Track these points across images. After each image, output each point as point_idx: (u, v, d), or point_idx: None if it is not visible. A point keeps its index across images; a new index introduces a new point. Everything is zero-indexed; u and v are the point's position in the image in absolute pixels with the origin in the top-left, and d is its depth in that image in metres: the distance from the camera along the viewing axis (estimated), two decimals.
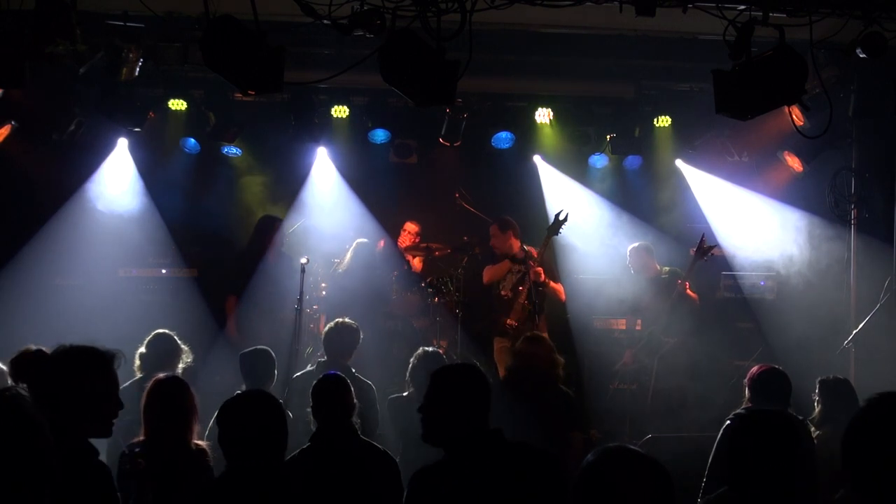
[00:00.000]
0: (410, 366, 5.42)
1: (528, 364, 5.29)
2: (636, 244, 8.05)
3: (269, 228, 8.14)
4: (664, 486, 2.05)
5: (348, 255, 8.48)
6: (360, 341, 5.94)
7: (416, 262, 8.99)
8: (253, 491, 2.97)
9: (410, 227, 9.04)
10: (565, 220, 7.46)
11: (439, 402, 3.19)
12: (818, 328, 7.49)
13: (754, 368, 4.88)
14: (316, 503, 3.41)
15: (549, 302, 7.90)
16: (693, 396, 7.09)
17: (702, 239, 7.52)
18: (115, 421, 2.95)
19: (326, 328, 6.01)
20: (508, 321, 7.66)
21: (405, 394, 5.40)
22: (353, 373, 5.58)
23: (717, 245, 7.69)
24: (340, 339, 5.82)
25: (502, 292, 7.92)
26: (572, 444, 5.25)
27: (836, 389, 4.92)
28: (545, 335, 5.60)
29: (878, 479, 2.20)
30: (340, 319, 6.00)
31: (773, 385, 4.68)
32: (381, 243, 8.73)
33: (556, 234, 7.58)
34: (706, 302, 8.29)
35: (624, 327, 8.38)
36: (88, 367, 2.91)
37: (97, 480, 2.84)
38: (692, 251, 7.62)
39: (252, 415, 3.13)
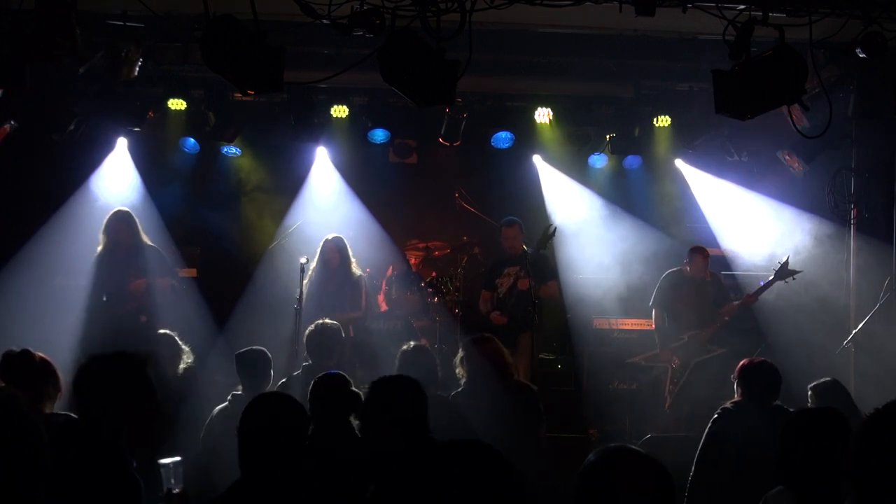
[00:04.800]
0: (397, 366, 5.38)
1: (479, 362, 5.25)
2: (699, 247, 7.80)
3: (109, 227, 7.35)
4: (665, 486, 2.04)
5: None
6: (344, 342, 5.88)
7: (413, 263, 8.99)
8: (274, 492, 2.95)
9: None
10: (553, 234, 7.30)
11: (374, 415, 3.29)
12: (818, 328, 7.49)
13: (744, 361, 4.86)
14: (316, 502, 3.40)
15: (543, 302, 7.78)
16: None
17: (786, 261, 7.34)
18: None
19: (307, 330, 5.94)
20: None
21: None
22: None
23: (801, 271, 7.40)
24: (322, 341, 5.78)
25: (500, 293, 7.82)
26: (540, 438, 5.25)
27: (832, 391, 4.88)
28: (488, 334, 5.55)
29: (882, 492, 2.19)
30: (321, 321, 5.96)
31: (761, 378, 4.68)
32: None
33: (544, 248, 7.38)
34: None
35: (629, 327, 8.37)
36: (121, 373, 2.90)
37: (121, 490, 2.81)
38: (774, 271, 7.39)
39: (274, 417, 3.08)
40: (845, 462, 2.91)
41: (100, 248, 7.29)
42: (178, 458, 3.23)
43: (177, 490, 3.16)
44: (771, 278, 7.35)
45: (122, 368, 2.93)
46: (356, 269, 7.72)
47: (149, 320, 7.01)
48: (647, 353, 7.95)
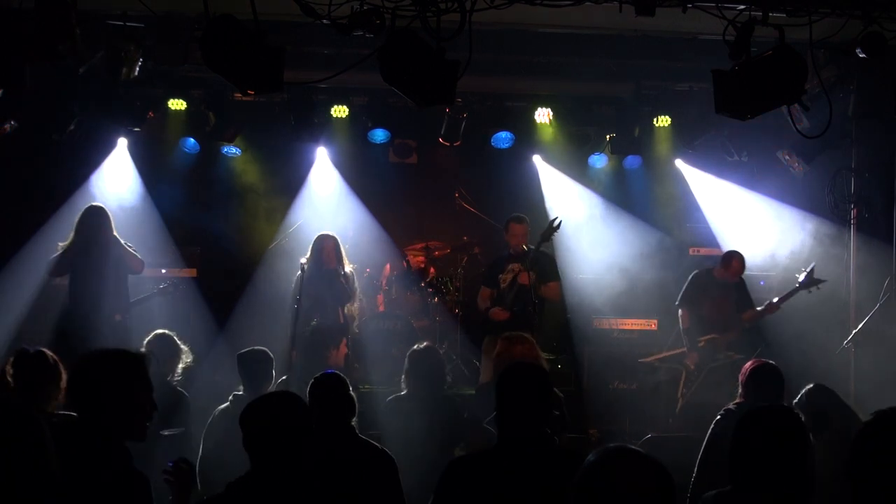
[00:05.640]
0: (405, 366, 5.38)
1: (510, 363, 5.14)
2: (737, 252, 7.61)
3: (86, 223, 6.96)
4: (665, 486, 2.04)
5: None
6: (345, 339, 5.86)
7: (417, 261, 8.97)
8: (279, 490, 2.95)
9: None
10: (558, 227, 7.13)
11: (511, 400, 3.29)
12: (818, 328, 7.48)
13: (748, 364, 4.86)
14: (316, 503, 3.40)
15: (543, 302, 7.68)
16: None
17: (811, 270, 7.27)
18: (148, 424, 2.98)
19: (306, 332, 5.91)
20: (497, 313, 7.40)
21: (403, 393, 5.38)
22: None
23: (826, 280, 7.33)
24: (320, 340, 5.76)
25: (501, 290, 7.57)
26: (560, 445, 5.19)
27: (820, 398, 4.85)
28: (527, 335, 5.42)
29: (878, 492, 2.20)
30: (317, 322, 5.94)
31: (766, 380, 4.67)
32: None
33: (548, 241, 7.23)
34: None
35: (629, 327, 8.35)
36: (123, 370, 2.94)
37: (129, 486, 2.83)
38: (798, 279, 7.31)
39: (279, 414, 3.08)
40: (799, 463, 2.90)
41: (68, 244, 6.89)
42: (182, 429, 3.24)
43: (183, 463, 3.18)
44: (797, 286, 7.26)
45: (122, 365, 2.95)
46: (348, 267, 7.64)
47: (123, 319, 6.88)
48: (659, 352, 7.85)
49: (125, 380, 2.92)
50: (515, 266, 7.43)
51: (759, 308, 7.49)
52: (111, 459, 2.83)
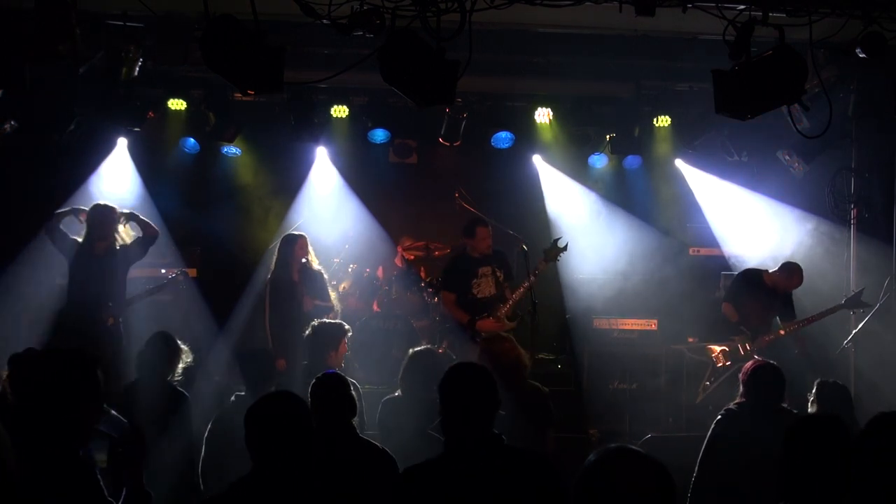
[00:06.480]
0: (402, 367, 5.36)
1: (493, 363, 5.14)
2: (799, 267, 7.38)
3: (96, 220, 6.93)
4: (665, 486, 2.04)
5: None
6: (345, 339, 5.82)
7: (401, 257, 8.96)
8: (282, 490, 2.95)
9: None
10: (564, 248, 7.03)
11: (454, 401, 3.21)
12: (818, 328, 7.48)
13: (748, 363, 4.87)
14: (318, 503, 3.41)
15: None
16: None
17: (860, 291, 7.23)
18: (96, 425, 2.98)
19: (307, 331, 5.86)
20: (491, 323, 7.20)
21: (396, 394, 5.37)
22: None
23: (871, 305, 7.30)
24: (320, 340, 5.74)
25: (478, 295, 7.35)
26: (546, 441, 5.19)
27: (835, 394, 4.87)
28: (506, 334, 5.40)
29: (878, 490, 2.20)
30: (320, 320, 5.91)
31: (767, 380, 4.68)
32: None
33: (555, 261, 7.12)
34: (705, 302, 8.32)
35: (629, 327, 8.34)
36: (67, 372, 2.92)
37: (77, 478, 2.84)
38: (844, 299, 7.27)
39: (284, 414, 3.07)
40: (846, 473, 2.82)
41: (81, 238, 6.90)
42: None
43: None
44: (841, 303, 7.21)
45: (67, 368, 2.95)
46: (316, 265, 7.50)
47: (116, 323, 6.82)
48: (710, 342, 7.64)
49: (69, 382, 2.90)
50: (486, 269, 7.30)
51: (799, 321, 7.34)
52: (53, 458, 2.82)
